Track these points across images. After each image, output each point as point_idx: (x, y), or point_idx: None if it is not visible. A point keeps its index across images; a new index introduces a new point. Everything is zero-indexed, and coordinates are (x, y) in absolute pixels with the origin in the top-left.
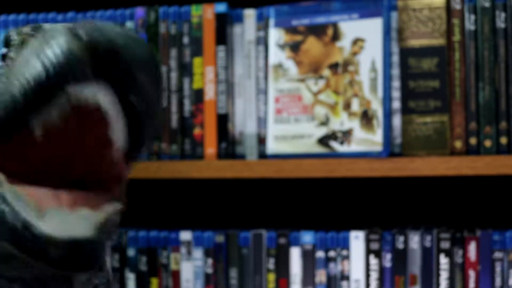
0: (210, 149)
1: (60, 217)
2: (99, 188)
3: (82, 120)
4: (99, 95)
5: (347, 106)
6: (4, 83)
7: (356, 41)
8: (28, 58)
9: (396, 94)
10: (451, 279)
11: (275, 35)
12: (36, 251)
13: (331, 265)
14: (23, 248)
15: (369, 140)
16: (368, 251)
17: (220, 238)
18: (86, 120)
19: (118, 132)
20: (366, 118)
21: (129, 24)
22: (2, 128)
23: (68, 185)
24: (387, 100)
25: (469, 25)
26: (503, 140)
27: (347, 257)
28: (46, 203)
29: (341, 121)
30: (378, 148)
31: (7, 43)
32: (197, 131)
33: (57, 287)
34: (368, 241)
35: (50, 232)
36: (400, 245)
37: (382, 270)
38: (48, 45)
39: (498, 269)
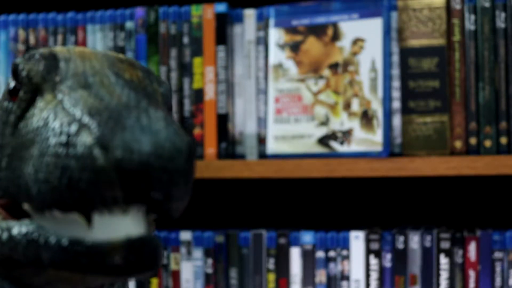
0: (210, 149)
1: (109, 222)
2: None
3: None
4: (128, 227)
5: (347, 106)
6: (16, 159)
7: (356, 41)
8: (45, 144)
9: (396, 94)
10: (451, 279)
11: (275, 35)
12: (93, 263)
13: (331, 265)
14: (74, 266)
15: (369, 140)
16: (368, 251)
17: (220, 238)
18: None
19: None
20: (366, 118)
21: (129, 24)
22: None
23: None
24: (387, 100)
25: (469, 25)
26: (503, 140)
27: (347, 257)
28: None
29: (341, 121)
30: (378, 148)
31: (16, 76)
32: (197, 131)
33: None
34: (368, 241)
35: (105, 238)
36: (400, 245)
37: (382, 270)
38: (71, 144)
39: (498, 269)
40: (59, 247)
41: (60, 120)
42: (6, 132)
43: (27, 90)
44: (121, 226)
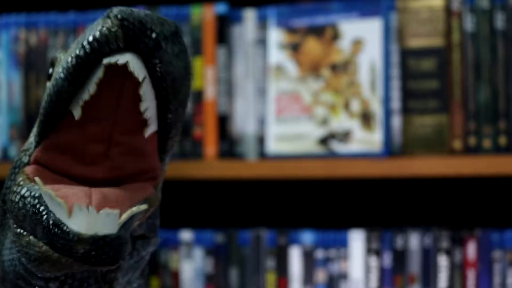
0: (210, 149)
1: (86, 217)
2: (133, 182)
3: (117, 85)
4: (131, 62)
5: (346, 106)
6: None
7: (356, 42)
8: (68, 52)
9: (395, 94)
10: (451, 278)
11: (275, 35)
12: (66, 247)
13: (331, 264)
14: (55, 246)
15: (368, 140)
16: (368, 251)
17: (220, 238)
18: (120, 84)
19: (151, 110)
20: (366, 118)
21: None
22: (47, 118)
23: (101, 183)
24: (386, 100)
25: (468, 26)
26: (502, 140)
27: (346, 257)
28: (76, 202)
29: (340, 121)
30: (378, 148)
31: (52, 64)
32: (197, 131)
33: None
34: (367, 240)
35: (78, 230)
36: (399, 244)
37: (381, 269)
38: (85, 34)
39: (497, 268)
40: (47, 226)
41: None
42: None
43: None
44: (95, 223)
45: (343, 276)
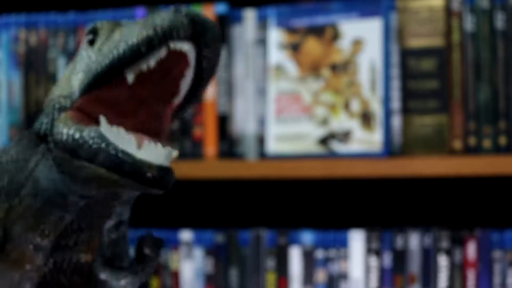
0: (210, 149)
1: (152, 150)
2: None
3: (170, 64)
4: (189, 51)
5: (346, 106)
6: (106, 46)
7: (356, 42)
8: (132, 28)
9: (395, 94)
10: (451, 278)
11: (275, 35)
12: (135, 173)
13: (331, 264)
14: (123, 172)
15: (368, 140)
16: (368, 251)
17: (220, 238)
18: (172, 65)
19: (185, 84)
20: (366, 118)
21: None
22: (101, 76)
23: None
24: (386, 100)
25: (468, 26)
26: (502, 140)
27: (346, 257)
28: (141, 140)
29: (340, 121)
30: (378, 148)
31: (95, 32)
32: (197, 131)
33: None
34: (367, 240)
35: (148, 159)
36: (399, 244)
37: (381, 269)
38: (153, 18)
39: (497, 268)
40: (115, 153)
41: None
42: None
43: (105, 30)
44: (158, 155)
45: (343, 276)
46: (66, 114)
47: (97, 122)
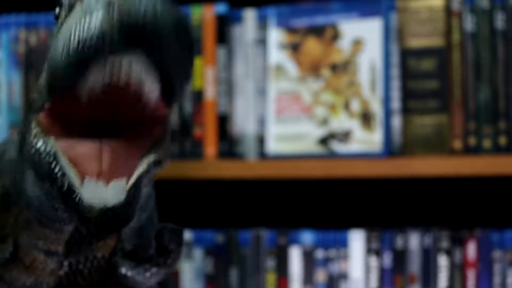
0: (210, 149)
1: (95, 189)
2: (140, 131)
3: (120, 87)
4: (133, 64)
5: (346, 106)
6: (53, 49)
7: (356, 42)
8: (69, 28)
9: (395, 94)
10: (451, 278)
11: (275, 35)
12: (77, 212)
13: (331, 264)
14: (68, 207)
15: (368, 140)
16: (368, 251)
17: (220, 238)
18: (123, 87)
19: (150, 85)
20: (366, 118)
21: None
22: (49, 90)
23: (110, 133)
24: (386, 100)
25: (468, 26)
26: (502, 140)
27: (346, 257)
28: (86, 171)
29: (340, 121)
30: (378, 148)
31: (60, 3)
32: (197, 131)
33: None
34: (367, 240)
35: (88, 200)
36: (399, 244)
37: (381, 269)
38: (86, 20)
39: (497, 268)
40: (61, 185)
41: (82, 11)
42: None
43: (66, 6)
44: (103, 194)
45: (343, 276)
46: (37, 120)
47: (67, 128)
